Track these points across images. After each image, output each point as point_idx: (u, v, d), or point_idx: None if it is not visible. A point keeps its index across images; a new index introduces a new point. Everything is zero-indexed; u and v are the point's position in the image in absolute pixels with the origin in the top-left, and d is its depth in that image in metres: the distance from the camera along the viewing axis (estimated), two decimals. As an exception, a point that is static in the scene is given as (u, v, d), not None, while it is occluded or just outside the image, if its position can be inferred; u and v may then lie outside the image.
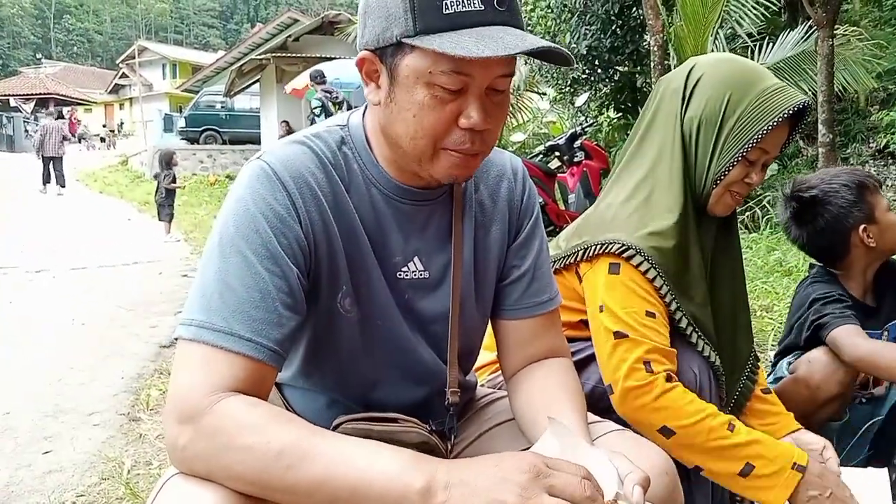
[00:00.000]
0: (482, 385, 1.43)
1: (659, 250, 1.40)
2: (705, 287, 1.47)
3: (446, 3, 0.88)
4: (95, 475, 2.37)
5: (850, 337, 1.70)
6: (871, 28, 10.50)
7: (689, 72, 1.48)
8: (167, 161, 10.20)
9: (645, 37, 7.95)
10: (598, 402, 1.40)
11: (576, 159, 6.65)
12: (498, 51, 0.85)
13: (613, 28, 8.37)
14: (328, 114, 9.37)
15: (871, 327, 1.83)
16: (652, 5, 6.25)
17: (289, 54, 15.77)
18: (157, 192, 10.08)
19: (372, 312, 1.05)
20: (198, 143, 20.97)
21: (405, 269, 1.07)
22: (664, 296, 1.40)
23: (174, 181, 9.96)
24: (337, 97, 9.56)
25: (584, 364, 1.49)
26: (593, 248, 1.43)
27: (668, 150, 1.47)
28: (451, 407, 1.13)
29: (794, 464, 1.27)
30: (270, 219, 0.94)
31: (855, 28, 8.54)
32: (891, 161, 8.91)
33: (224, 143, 21.12)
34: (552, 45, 0.89)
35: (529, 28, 7.28)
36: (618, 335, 1.36)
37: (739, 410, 1.57)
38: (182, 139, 21.92)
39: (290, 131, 14.41)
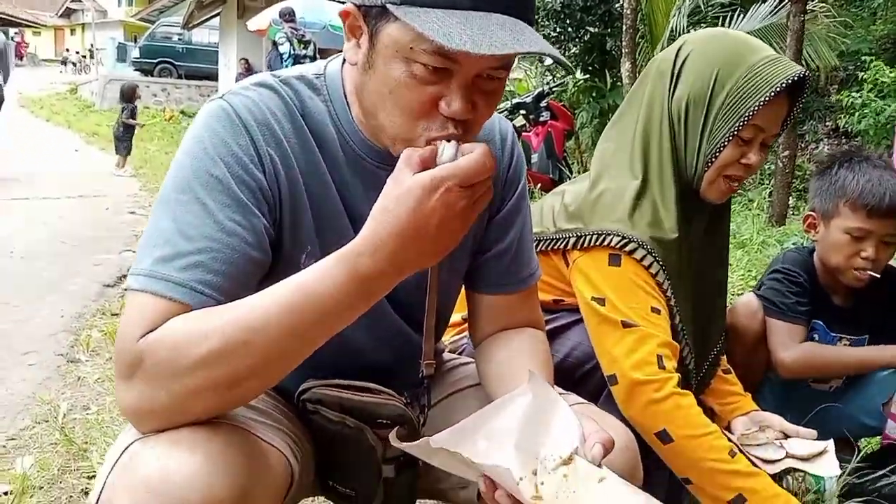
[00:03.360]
0: (445, 345, 1.39)
1: (660, 243, 1.35)
2: (692, 278, 1.43)
3: None
4: (28, 418, 2.27)
5: (780, 336, 1.70)
6: (837, 6, 10.60)
7: (678, 50, 1.41)
8: (129, 95, 9.99)
9: (618, -2, 7.85)
10: (569, 374, 1.38)
11: (541, 119, 6.62)
12: (482, 48, 0.74)
13: (588, -13, 8.24)
14: (294, 52, 9.06)
15: (838, 331, 1.80)
16: (628, -34, 6.16)
17: (252, -11, 15.18)
18: (115, 124, 9.85)
19: None
20: (152, 76, 20.24)
21: None
22: (665, 290, 1.36)
23: (133, 115, 9.72)
24: (304, 35, 9.26)
25: (555, 334, 1.45)
26: (589, 237, 1.37)
27: (657, 134, 1.40)
28: (424, 379, 1.09)
29: None
30: (231, 164, 0.86)
31: (823, 3, 8.60)
32: (844, 140, 9.11)
33: (179, 77, 20.47)
34: (550, 50, 0.80)
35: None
36: (626, 324, 1.31)
37: (702, 391, 1.56)
38: (135, 70, 21.17)
39: (248, 69, 13.99)
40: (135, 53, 22.01)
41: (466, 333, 1.50)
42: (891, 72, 6.81)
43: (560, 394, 1.08)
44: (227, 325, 0.76)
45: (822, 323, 1.79)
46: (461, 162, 0.76)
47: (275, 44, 9.97)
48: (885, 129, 6.89)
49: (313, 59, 9.10)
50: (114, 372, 0.82)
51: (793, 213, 6.48)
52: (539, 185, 6.09)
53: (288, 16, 9.36)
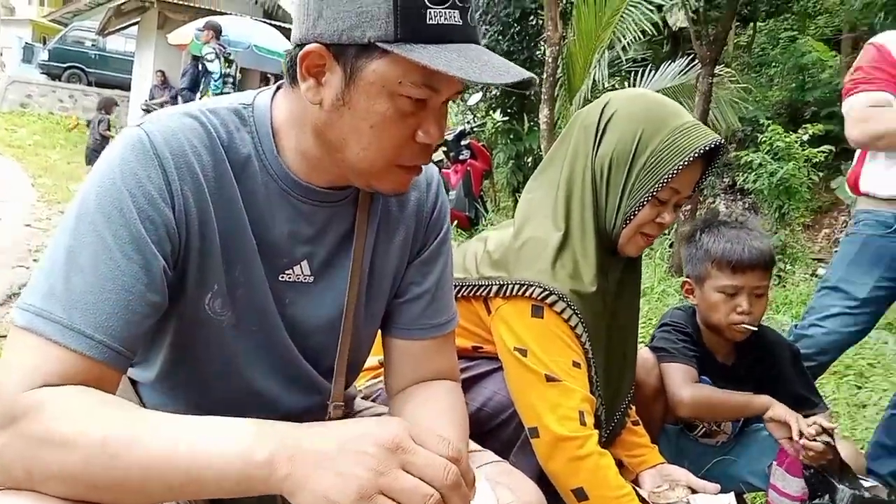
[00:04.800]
0: (359, 390, 1.38)
1: (580, 296, 1.38)
2: (606, 330, 1.48)
3: (430, 14, 0.82)
4: None
5: (676, 377, 1.78)
6: (738, 71, 11.36)
7: (604, 108, 1.46)
8: (107, 107, 9.89)
9: (540, 46, 8.12)
10: (483, 424, 1.39)
11: (461, 157, 6.73)
12: (495, 78, 0.82)
13: (512, 32, 8.49)
14: (223, 71, 8.82)
15: (723, 387, 1.85)
16: (552, 17, 6.39)
17: (176, 1, 14.82)
18: (90, 136, 9.66)
19: (247, 317, 0.97)
20: (60, 80, 19.32)
21: (289, 271, 1.00)
22: (584, 343, 1.39)
23: (109, 128, 9.38)
24: (229, 54, 9.04)
25: (473, 382, 1.47)
26: (512, 286, 1.39)
27: (580, 190, 1.44)
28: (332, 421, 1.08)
29: None
30: (138, 198, 0.84)
31: (728, 69, 9.19)
32: (740, 196, 9.71)
33: (90, 84, 19.59)
34: (533, 76, 0.87)
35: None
36: (549, 378, 1.33)
37: (612, 442, 1.60)
38: (42, 73, 20.12)
39: (165, 82, 13.61)
40: (43, 56, 20.94)
41: (382, 378, 1.50)
42: (786, 137, 7.32)
43: (474, 451, 1.10)
44: (114, 426, 0.72)
45: (708, 379, 1.89)
46: (431, 455, 0.70)
47: (195, 58, 9.72)
48: (777, 189, 7.38)
49: (236, 78, 8.94)
50: None
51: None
52: (456, 222, 6.17)
53: (216, 32, 9.06)
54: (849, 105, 2.17)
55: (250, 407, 1.00)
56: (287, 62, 0.93)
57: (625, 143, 1.40)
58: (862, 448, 2.33)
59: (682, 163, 1.36)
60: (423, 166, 0.97)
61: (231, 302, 0.96)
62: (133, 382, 1.07)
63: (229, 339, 0.98)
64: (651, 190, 1.38)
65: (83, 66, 20.33)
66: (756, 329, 1.81)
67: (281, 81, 0.99)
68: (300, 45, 0.88)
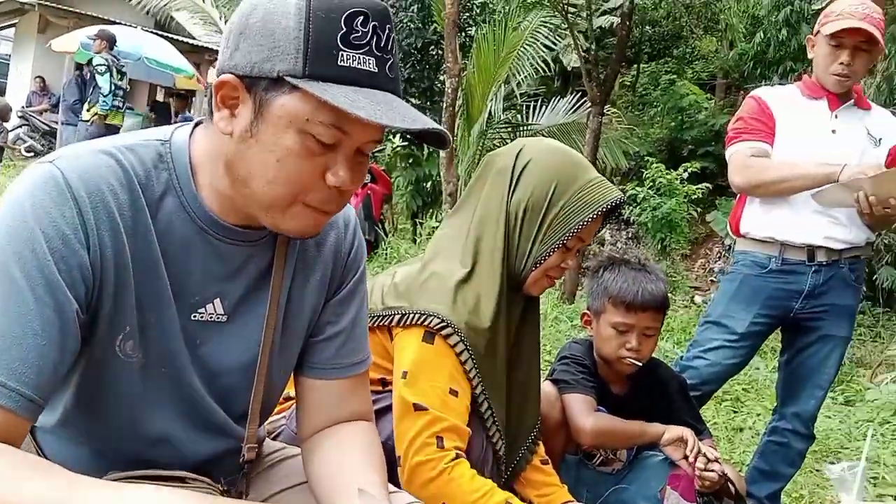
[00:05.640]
0: (263, 427, 1.35)
1: (475, 330, 1.42)
2: (505, 367, 1.52)
3: (342, 55, 0.82)
4: None
5: (578, 407, 1.85)
6: (623, 109, 12.01)
7: (518, 154, 1.53)
8: (3, 115, 8.98)
9: (440, 76, 8.28)
10: (388, 458, 1.39)
11: (361, 181, 6.74)
12: (395, 121, 0.81)
13: (412, 61, 8.63)
14: (114, 83, 8.28)
15: (618, 416, 1.91)
16: (452, 49, 6.53)
17: (58, 5, 14.04)
18: None
19: (157, 357, 0.94)
20: (-79, 82, 17.83)
21: (202, 310, 0.97)
22: (472, 378, 1.43)
23: (6, 139, 8.66)
24: (122, 66, 8.54)
25: (380, 415, 1.46)
26: (411, 316, 1.42)
27: (492, 231, 1.50)
28: (245, 465, 1.05)
29: None
30: (52, 238, 0.80)
31: (615, 109, 9.70)
32: (624, 227, 10.22)
33: (-43, 87, 18.21)
34: (444, 130, 0.88)
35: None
36: (417, 407, 1.36)
37: (515, 478, 1.62)
38: None
39: (44, 88, 12.91)
40: None
41: (285, 414, 1.48)
42: (668, 174, 7.79)
43: (394, 492, 1.10)
44: (43, 490, 0.71)
45: (604, 409, 1.97)
46: None
47: (79, 66, 9.17)
48: (660, 223, 7.83)
49: (126, 91, 8.50)
50: None
51: (581, 292, 7.09)
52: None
53: (109, 42, 8.51)
54: (731, 152, 2.35)
55: (157, 453, 0.98)
56: (208, 95, 0.92)
57: (539, 193, 1.49)
58: (740, 470, 2.49)
59: (591, 215, 1.47)
60: (335, 213, 0.95)
61: (142, 343, 0.92)
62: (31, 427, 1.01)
63: (137, 382, 0.94)
64: (561, 238, 1.49)
65: (-50, 68, 18.89)
66: (641, 364, 1.91)
67: (200, 119, 0.97)
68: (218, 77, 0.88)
